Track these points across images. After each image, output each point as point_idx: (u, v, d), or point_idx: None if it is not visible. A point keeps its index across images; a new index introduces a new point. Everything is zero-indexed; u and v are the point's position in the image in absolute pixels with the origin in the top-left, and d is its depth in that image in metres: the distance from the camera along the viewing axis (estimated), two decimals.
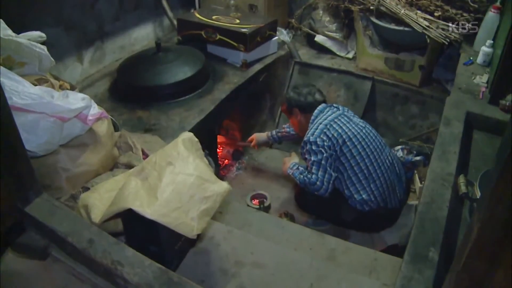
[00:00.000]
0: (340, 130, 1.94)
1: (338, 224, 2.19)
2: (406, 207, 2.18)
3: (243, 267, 1.46)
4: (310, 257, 1.55)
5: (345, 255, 1.65)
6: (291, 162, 2.16)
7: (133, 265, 1.17)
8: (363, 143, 1.95)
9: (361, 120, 2.09)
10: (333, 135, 1.92)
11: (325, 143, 1.91)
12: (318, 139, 1.92)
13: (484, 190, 1.32)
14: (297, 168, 2.09)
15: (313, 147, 1.93)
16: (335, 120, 1.98)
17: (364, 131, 1.99)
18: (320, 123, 1.97)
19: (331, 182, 1.93)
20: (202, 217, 1.20)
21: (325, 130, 1.93)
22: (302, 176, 2.00)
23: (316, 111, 2.07)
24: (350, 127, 1.97)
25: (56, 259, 1.29)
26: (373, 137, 2.01)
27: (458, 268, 0.72)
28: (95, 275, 1.25)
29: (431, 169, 1.65)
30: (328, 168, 1.92)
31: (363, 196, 1.94)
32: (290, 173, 2.10)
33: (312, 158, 1.94)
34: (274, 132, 2.52)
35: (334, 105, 2.12)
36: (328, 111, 2.05)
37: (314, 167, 1.94)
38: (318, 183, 1.93)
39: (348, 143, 1.93)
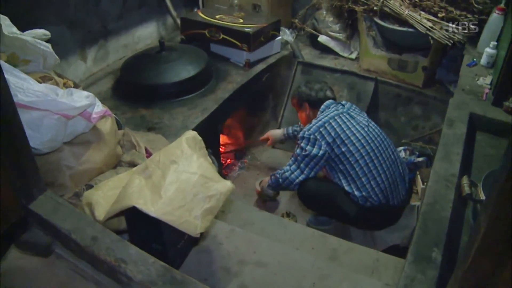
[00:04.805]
0: (338, 129, 1.95)
1: (340, 219, 2.18)
2: (408, 208, 2.17)
3: (246, 266, 1.46)
4: (312, 257, 1.55)
5: (347, 255, 1.65)
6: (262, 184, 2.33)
7: (137, 263, 1.17)
8: (363, 141, 1.94)
9: (365, 118, 2.08)
10: (329, 133, 1.94)
11: (317, 142, 1.94)
12: (311, 136, 1.95)
13: (491, 190, 1.31)
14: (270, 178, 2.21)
15: (303, 143, 1.98)
16: (335, 118, 1.99)
17: (366, 129, 1.99)
18: (320, 120, 1.99)
19: (299, 179, 2.02)
20: (205, 216, 1.20)
21: (321, 129, 1.95)
22: (273, 177, 2.16)
23: (322, 106, 2.11)
24: (350, 125, 1.97)
25: (60, 256, 1.29)
26: (375, 135, 2.00)
27: (464, 267, 0.72)
28: (99, 272, 1.25)
29: (434, 170, 1.65)
30: (302, 166, 1.99)
31: (363, 193, 1.94)
32: (268, 183, 2.23)
33: (297, 152, 2.01)
34: (290, 129, 2.53)
35: (343, 102, 2.14)
36: (332, 108, 2.08)
37: (292, 158, 2.04)
38: (287, 174, 2.04)
39: (346, 141, 1.93)
